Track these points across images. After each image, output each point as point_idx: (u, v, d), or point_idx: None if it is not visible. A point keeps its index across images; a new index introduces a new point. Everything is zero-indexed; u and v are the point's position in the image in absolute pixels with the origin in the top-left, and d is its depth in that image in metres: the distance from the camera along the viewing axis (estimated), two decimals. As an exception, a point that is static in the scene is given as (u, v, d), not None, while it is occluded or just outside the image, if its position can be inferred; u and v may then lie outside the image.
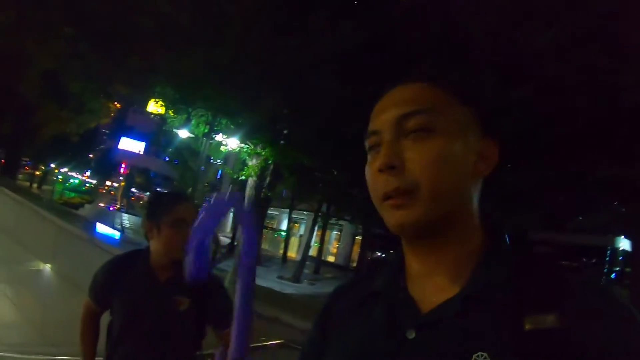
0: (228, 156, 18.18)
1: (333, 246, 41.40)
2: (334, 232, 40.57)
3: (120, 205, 30.68)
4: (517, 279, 0.84)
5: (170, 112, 18.15)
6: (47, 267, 6.47)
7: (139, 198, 65.38)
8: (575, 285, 0.82)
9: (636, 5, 10.70)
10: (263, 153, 15.30)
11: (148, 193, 71.58)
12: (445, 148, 0.88)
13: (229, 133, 15.24)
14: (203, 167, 29.30)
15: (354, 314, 1.01)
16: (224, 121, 14.76)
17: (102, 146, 69.15)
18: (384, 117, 0.93)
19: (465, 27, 11.71)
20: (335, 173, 17.73)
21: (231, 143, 15.78)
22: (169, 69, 13.61)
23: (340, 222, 36.33)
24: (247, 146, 15.56)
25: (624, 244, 29.25)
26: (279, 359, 3.68)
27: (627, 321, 0.77)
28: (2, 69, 17.90)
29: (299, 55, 10.94)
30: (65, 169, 53.58)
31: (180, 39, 12.33)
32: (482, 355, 0.77)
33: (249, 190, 16.66)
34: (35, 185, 43.26)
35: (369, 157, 0.96)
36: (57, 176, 52.39)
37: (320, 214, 28.37)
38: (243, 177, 16.26)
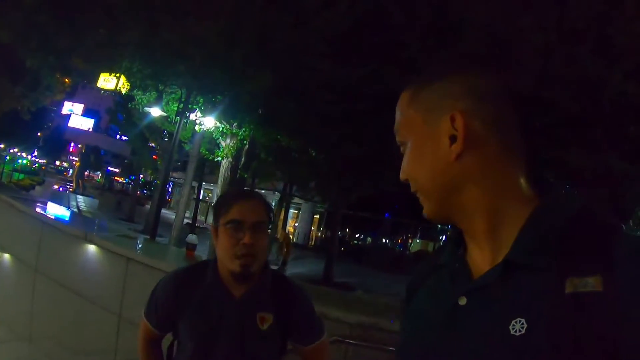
0: (194, 135, 17.49)
1: (290, 225, 41.39)
2: (292, 210, 40.61)
3: (76, 187, 29.33)
4: (563, 241, 0.81)
5: (127, 86, 17.29)
6: (7, 256, 5.89)
7: (90, 178, 63.52)
8: (626, 247, 0.78)
9: (623, 10, 11.21)
10: (240, 133, 14.77)
11: (98, 172, 69.87)
12: (415, 152, 0.97)
13: (205, 112, 14.54)
14: (159, 145, 28.59)
15: (421, 288, 1.06)
16: (200, 99, 14.04)
17: (50, 124, 66.65)
18: None
19: (456, 15, 11.74)
20: (313, 154, 17.36)
21: (207, 122, 15.11)
22: (142, 43, 12.80)
23: (299, 201, 36.43)
24: (222, 126, 14.99)
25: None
26: (334, 356, 3.39)
27: None
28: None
29: (293, 33, 10.50)
30: (15, 149, 51.19)
31: (158, 11, 11.52)
32: (519, 321, 0.78)
33: (223, 172, 16.13)
34: (-20, 167, 41.25)
35: None
36: (5, 157, 49.91)
37: (276, 193, 28.27)
38: (219, 158, 15.70)
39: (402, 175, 1.01)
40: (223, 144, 15.77)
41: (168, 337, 2.18)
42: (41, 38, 15.05)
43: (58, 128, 66.55)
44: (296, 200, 35.92)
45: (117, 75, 19.91)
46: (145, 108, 16.22)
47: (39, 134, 58.85)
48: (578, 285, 0.76)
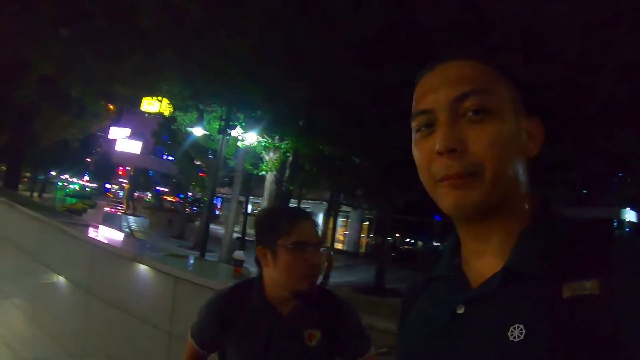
0: (238, 151, 17.62)
1: (339, 233, 41.37)
2: (340, 219, 40.65)
3: (127, 208, 30.10)
4: (560, 247, 0.81)
5: (169, 108, 17.56)
6: (61, 279, 6.01)
7: (140, 199, 65.12)
8: (622, 251, 0.77)
9: None
10: (282, 146, 14.79)
11: (148, 192, 71.62)
12: (503, 129, 0.86)
13: (247, 128, 14.62)
14: (205, 163, 29.02)
15: (418, 301, 1.05)
16: (241, 116, 14.14)
17: (98, 149, 68.84)
18: (437, 96, 0.89)
19: (487, 9, 11.52)
20: (357, 161, 17.22)
21: (249, 138, 15.19)
22: (178, 65, 12.96)
23: (347, 209, 36.41)
24: (265, 140, 15.04)
25: (630, 215, 29.28)
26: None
27: None
28: (-1, 78, 17.17)
29: (323, 41, 10.44)
30: (65, 175, 53.07)
31: (190, 32, 11.63)
32: (518, 327, 0.77)
33: (269, 185, 16.15)
34: (35, 194, 42.84)
35: (416, 136, 0.92)
36: (57, 183, 51.75)
37: (325, 202, 28.24)
38: (264, 172, 15.74)
39: (455, 144, 0.84)
40: (266, 157, 15.85)
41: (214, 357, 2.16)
42: (81, 68, 15.49)
43: (106, 153, 68.70)
44: (344, 208, 35.94)
45: (159, 98, 20.35)
46: (188, 128, 16.45)
47: (88, 160, 60.78)
48: (576, 289, 0.75)
